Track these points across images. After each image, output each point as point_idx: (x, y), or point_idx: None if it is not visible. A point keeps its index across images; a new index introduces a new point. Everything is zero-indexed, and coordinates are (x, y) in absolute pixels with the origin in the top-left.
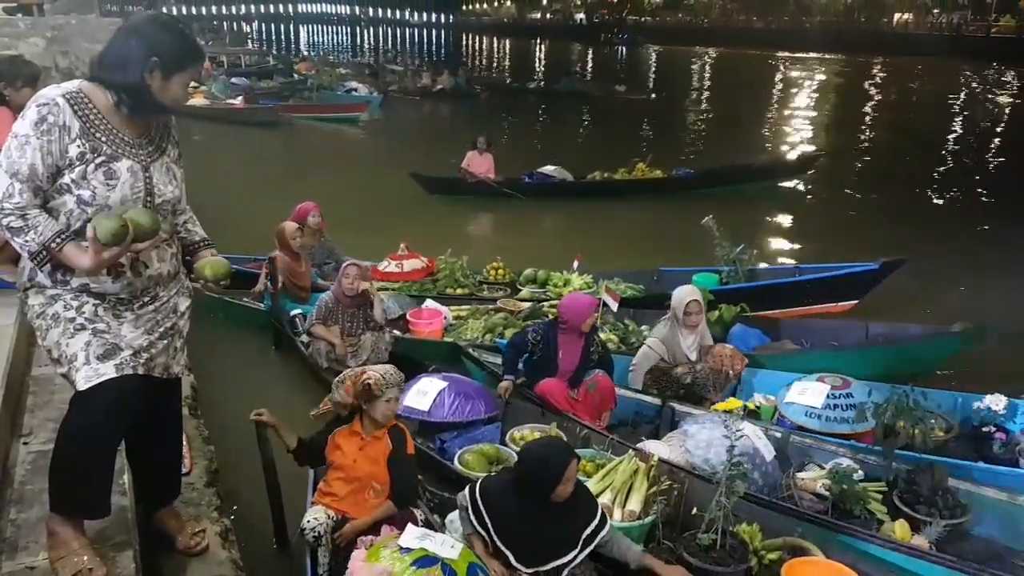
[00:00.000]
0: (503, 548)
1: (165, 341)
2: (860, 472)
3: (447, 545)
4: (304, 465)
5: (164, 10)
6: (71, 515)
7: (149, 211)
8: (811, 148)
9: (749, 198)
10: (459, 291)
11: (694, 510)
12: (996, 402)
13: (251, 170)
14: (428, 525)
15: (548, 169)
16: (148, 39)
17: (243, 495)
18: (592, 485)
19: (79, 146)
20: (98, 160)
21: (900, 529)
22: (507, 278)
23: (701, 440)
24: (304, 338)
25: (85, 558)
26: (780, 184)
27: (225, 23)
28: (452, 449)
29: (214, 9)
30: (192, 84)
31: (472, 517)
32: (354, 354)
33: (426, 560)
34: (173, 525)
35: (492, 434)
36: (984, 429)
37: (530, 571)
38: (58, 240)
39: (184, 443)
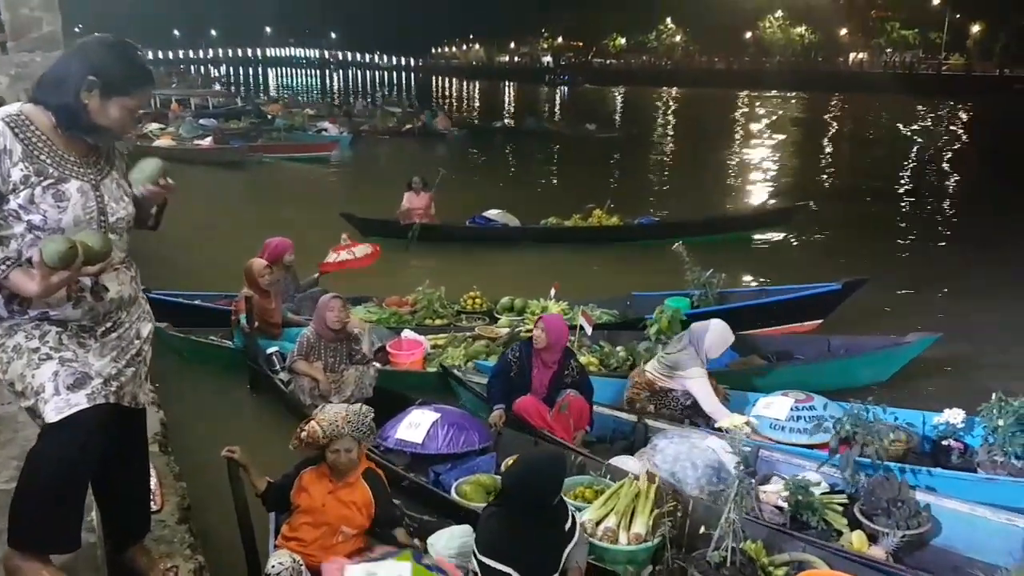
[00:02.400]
0: None
1: (132, 369)
2: (824, 485)
3: (394, 572)
4: (272, 511)
5: None
6: (40, 550)
7: (99, 232)
8: (788, 199)
9: (718, 246)
10: (438, 321)
11: (702, 528)
12: (954, 416)
13: (219, 210)
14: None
15: (492, 213)
16: (89, 58)
17: (217, 533)
18: (595, 510)
19: (22, 169)
20: (45, 183)
21: (857, 540)
22: (484, 307)
23: (669, 455)
24: (283, 376)
25: None
26: (755, 236)
27: (192, 67)
28: (448, 481)
29: (181, 53)
30: (159, 126)
31: None
32: (338, 390)
33: None
34: (143, 562)
35: (487, 464)
36: (944, 442)
37: None
38: (3, 267)
39: (154, 479)
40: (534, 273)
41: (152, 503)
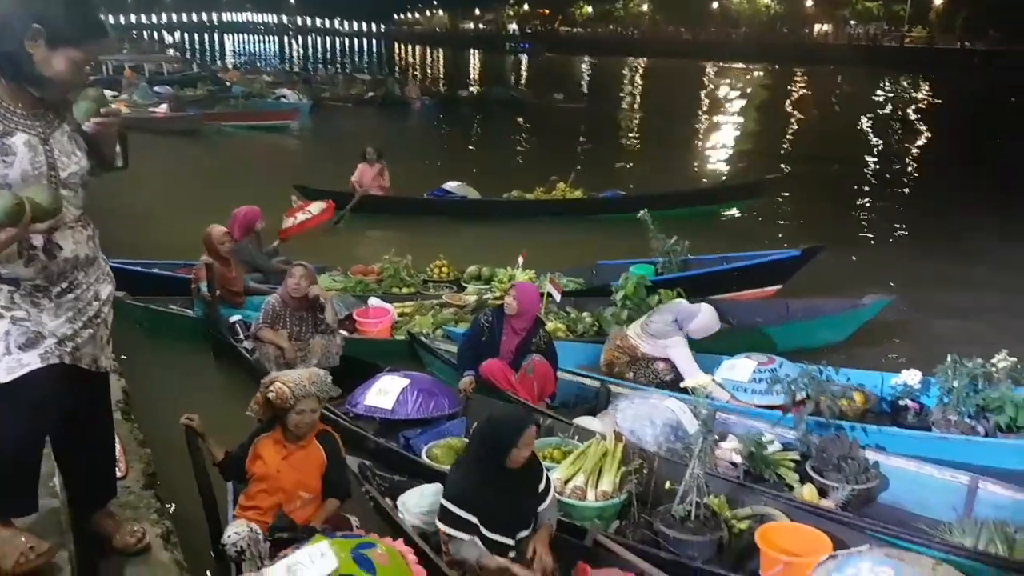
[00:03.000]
0: (495, 537)
1: (90, 331)
2: (777, 444)
3: (316, 559)
4: (229, 480)
5: None
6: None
7: (49, 188)
8: (756, 172)
9: (685, 219)
10: (405, 290)
11: (667, 484)
12: (911, 377)
13: (175, 178)
14: (380, 512)
15: (451, 186)
16: (34, 5)
17: (183, 500)
18: (564, 469)
19: None
20: None
21: (808, 493)
22: (451, 276)
23: (628, 415)
24: (248, 344)
25: (22, 539)
26: (724, 211)
27: (145, 32)
28: (417, 445)
29: (133, 18)
30: (112, 93)
31: (462, 532)
32: (303, 359)
33: None
34: (109, 525)
35: (457, 428)
36: (901, 402)
37: (513, 543)
38: None
39: (118, 446)
40: (499, 244)
41: (116, 469)
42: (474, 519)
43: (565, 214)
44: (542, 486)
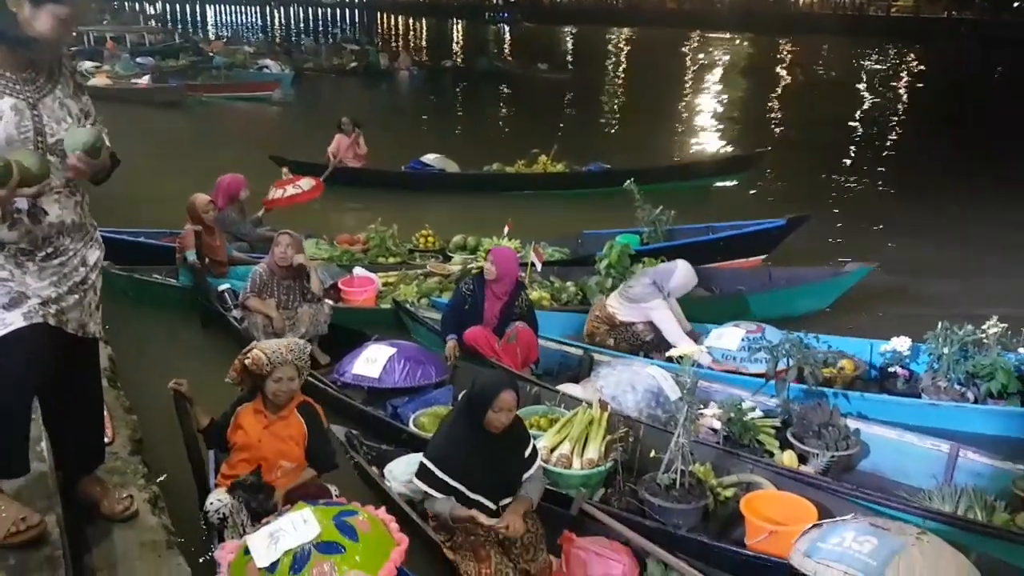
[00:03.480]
0: (475, 496)
1: (76, 296)
2: (758, 411)
3: (299, 525)
4: (212, 448)
5: None
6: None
7: (36, 153)
8: (742, 145)
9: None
10: (391, 259)
11: (652, 452)
12: (901, 344)
13: (157, 149)
14: (366, 480)
15: (429, 158)
16: None
17: (171, 467)
18: (550, 437)
19: None
20: None
21: (788, 459)
22: (437, 245)
23: (610, 381)
24: (236, 313)
25: (14, 509)
26: (715, 184)
27: (126, 3)
28: (405, 414)
29: None
30: (94, 64)
31: (435, 491)
32: (292, 327)
33: (300, 558)
34: (97, 491)
35: (444, 397)
36: (890, 369)
37: (496, 508)
38: None
39: (105, 412)
40: (481, 217)
41: (104, 434)
42: (455, 483)
43: (547, 188)
44: (528, 452)
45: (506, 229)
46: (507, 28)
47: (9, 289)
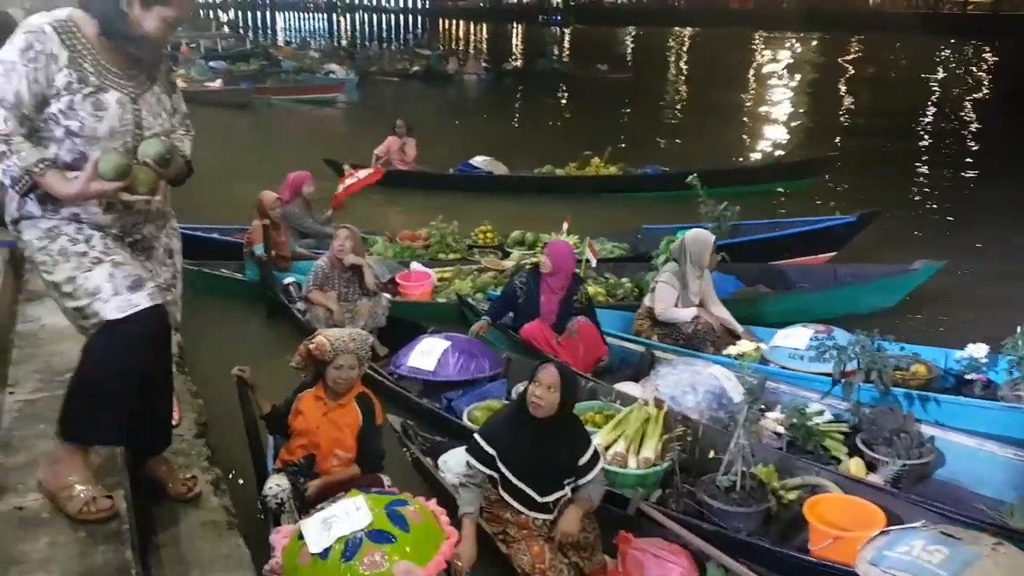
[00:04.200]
0: (517, 482)
1: (172, 285)
2: (827, 415)
3: (352, 512)
4: (274, 433)
5: None
6: (89, 442)
7: (162, 141)
8: (812, 147)
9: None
10: (451, 256)
11: (712, 452)
12: (978, 350)
13: (226, 149)
14: (421, 471)
15: (478, 160)
16: None
17: (232, 451)
18: (605, 434)
19: (66, 76)
20: (86, 91)
21: (855, 466)
22: (495, 241)
23: (670, 381)
24: (300, 305)
25: (89, 489)
26: (777, 188)
27: (202, 11)
28: (459, 407)
29: None
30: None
31: (481, 465)
32: (351, 320)
33: (352, 545)
34: (163, 471)
35: (498, 390)
36: (967, 376)
37: (542, 501)
38: (40, 166)
39: (174, 396)
40: (533, 216)
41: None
42: (492, 450)
43: (597, 191)
44: (585, 458)
45: (565, 225)
46: (558, 30)
47: (128, 272)
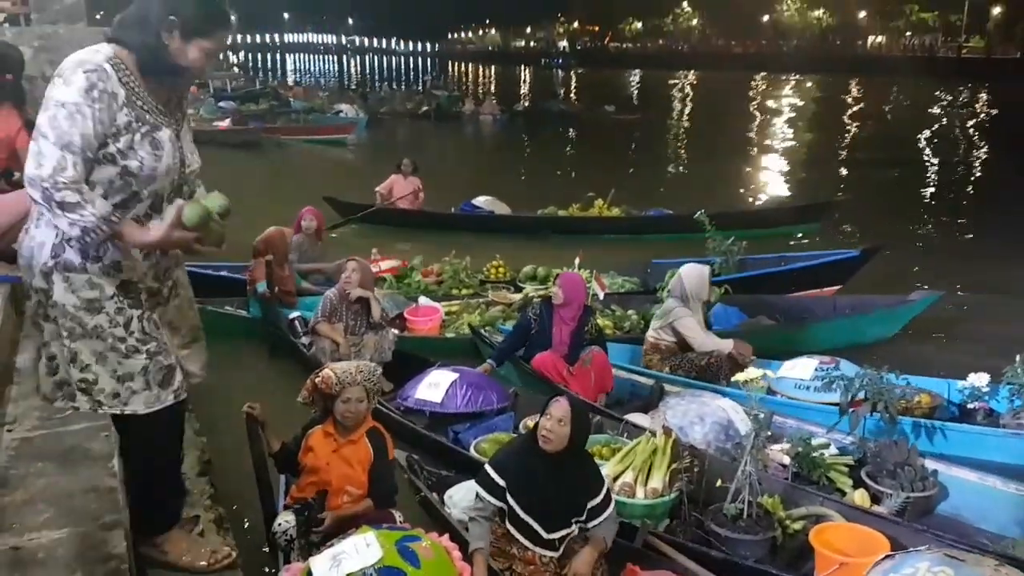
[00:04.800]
0: (524, 516)
1: (197, 342)
2: (833, 448)
3: (361, 549)
4: (283, 472)
5: None
6: (167, 529)
7: (222, 195)
8: (815, 190)
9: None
10: (464, 291)
11: (719, 482)
12: (979, 380)
13: (236, 186)
14: (426, 507)
15: (480, 200)
16: None
17: (238, 491)
18: (612, 466)
19: (126, 115)
20: (143, 129)
21: (859, 498)
22: (507, 276)
23: (678, 412)
24: (305, 339)
25: (202, 544)
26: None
27: None
28: (466, 440)
29: None
30: None
31: (490, 496)
32: (357, 353)
33: None
34: (181, 548)
35: (505, 424)
36: (969, 406)
37: (548, 538)
38: (116, 215)
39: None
40: (542, 254)
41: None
42: (502, 481)
43: (600, 233)
44: (597, 500)
45: (577, 260)
46: (560, 73)
47: (160, 365)
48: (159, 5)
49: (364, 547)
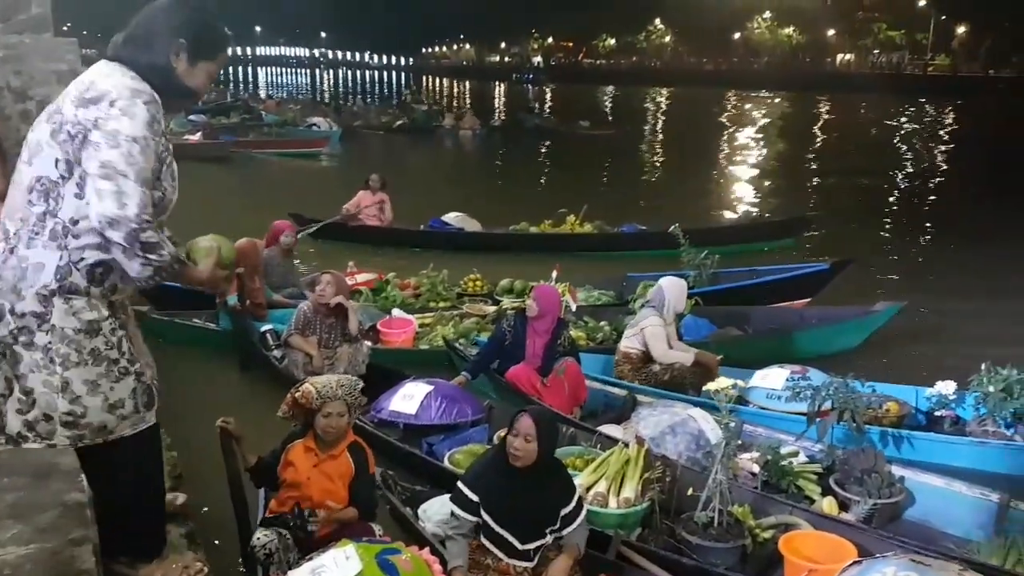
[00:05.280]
0: (499, 529)
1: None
2: (802, 456)
3: (341, 562)
4: (260, 487)
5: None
6: (158, 554)
7: (227, 241)
8: (787, 205)
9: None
10: (441, 304)
11: (690, 491)
12: (946, 387)
13: (207, 200)
14: (400, 521)
15: (450, 217)
16: (175, 20)
17: (211, 505)
18: (586, 476)
19: (164, 145)
20: (168, 159)
21: (828, 505)
22: (484, 289)
23: (650, 423)
24: (277, 353)
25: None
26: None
27: None
28: (440, 451)
29: None
30: None
31: (465, 512)
32: (331, 366)
33: None
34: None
35: (480, 435)
36: (936, 413)
37: (523, 548)
38: (177, 264)
39: None
40: (513, 270)
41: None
42: (475, 497)
43: (570, 250)
44: (569, 508)
45: (554, 273)
46: (531, 88)
47: (146, 386)
48: (167, 26)
49: (344, 560)
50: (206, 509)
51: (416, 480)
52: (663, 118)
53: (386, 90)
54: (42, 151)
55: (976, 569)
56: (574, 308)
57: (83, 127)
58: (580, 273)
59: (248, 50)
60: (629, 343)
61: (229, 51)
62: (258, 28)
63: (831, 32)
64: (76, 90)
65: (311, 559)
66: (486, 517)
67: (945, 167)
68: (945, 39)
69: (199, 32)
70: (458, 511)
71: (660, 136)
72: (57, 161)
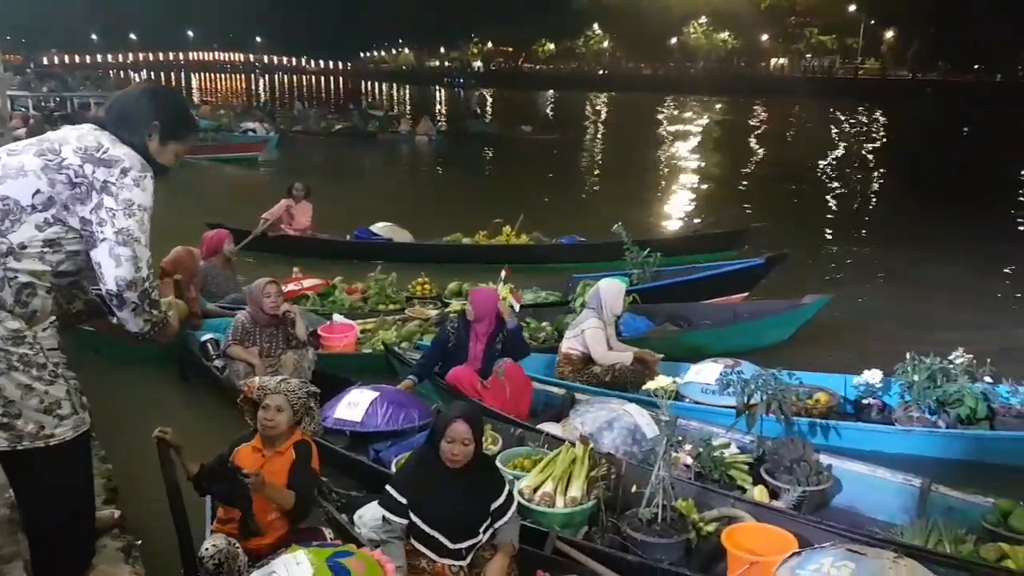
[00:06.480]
0: (429, 531)
1: None
2: (734, 447)
3: (291, 567)
4: (205, 495)
5: (44, 60)
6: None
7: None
8: (729, 216)
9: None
10: (391, 307)
11: (634, 488)
12: (873, 376)
13: None
14: (340, 529)
15: (378, 227)
16: (154, 104)
17: (149, 521)
18: (533, 476)
19: None
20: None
21: (759, 493)
22: (433, 292)
23: (588, 419)
24: (219, 363)
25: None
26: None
27: (112, 72)
28: (387, 458)
29: (99, 57)
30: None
31: (394, 515)
32: (275, 374)
33: None
34: None
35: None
36: (864, 401)
37: (454, 547)
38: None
39: None
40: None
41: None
42: (403, 499)
43: (503, 262)
44: (499, 501)
45: (503, 274)
46: (462, 92)
47: (77, 387)
48: (145, 109)
49: (295, 565)
50: (146, 523)
51: (363, 487)
52: (603, 124)
53: (325, 95)
54: (24, 177)
55: (907, 554)
56: (517, 308)
57: (88, 182)
58: (526, 276)
59: (180, 55)
60: (570, 344)
61: (196, 131)
62: (190, 32)
63: (765, 36)
64: (79, 143)
65: (261, 566)
66: (415, 519)
67: (873, 168)
68: (875, 43)
69: (171, 115)
70: (387, 514)
71: (600, 142)
72: (37, 192)
